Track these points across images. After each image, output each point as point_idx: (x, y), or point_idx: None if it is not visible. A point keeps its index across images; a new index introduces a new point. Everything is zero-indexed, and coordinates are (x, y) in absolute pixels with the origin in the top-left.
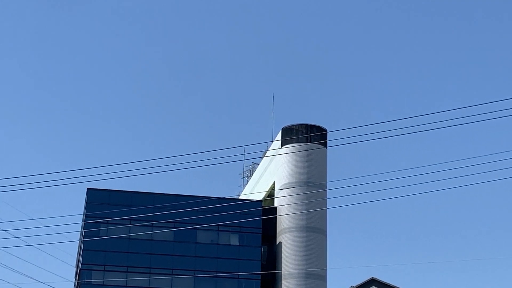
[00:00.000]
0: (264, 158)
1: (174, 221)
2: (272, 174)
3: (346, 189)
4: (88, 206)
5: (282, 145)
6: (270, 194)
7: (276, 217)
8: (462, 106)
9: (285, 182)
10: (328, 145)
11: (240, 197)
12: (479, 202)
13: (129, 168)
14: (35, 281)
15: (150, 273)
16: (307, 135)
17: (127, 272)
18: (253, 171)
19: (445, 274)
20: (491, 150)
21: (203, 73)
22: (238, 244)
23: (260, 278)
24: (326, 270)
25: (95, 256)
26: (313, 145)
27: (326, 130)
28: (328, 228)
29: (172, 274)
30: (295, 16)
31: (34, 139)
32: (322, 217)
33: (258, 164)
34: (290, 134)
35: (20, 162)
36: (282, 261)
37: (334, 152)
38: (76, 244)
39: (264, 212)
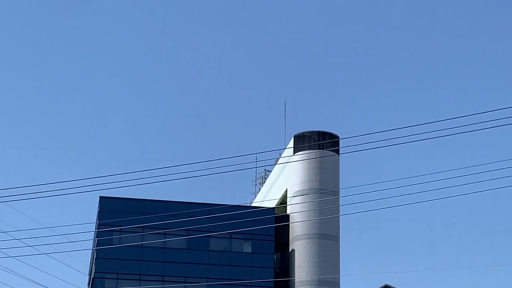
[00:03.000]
0: (276, 165)
1: (187, 229)
2: (285, 181)
3: (358, 196)
4: (101, 214)
5: (294, 152)
6: (283, 201)
7: (288, 224)
8: (475, 113)
9: (297, 189)
10: (340, 152)
11: (253, 205)
12: (495, 207)
13: (142, 176)
14: None
15: (163, 280)
16: (319, 142)
17: (140, 280)
18: (266, 179)
19: (460, 281)
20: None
21: (215, 80)
22: (251, 251)
23: (273, 285)
24: (339, 277)
25: (108, 264)
26: (326, 152)
27: (338, 137)
28: (341, 235)
29: (185, 282)
30: (307, 22)
31: (46, 148)
32: (335, 224)
33: (271, 171)
34: (303, 141)
35: (33, 170)
36: (295, 269)
37: (346, 159)
38: (89, 252)
39: (277, 219)
